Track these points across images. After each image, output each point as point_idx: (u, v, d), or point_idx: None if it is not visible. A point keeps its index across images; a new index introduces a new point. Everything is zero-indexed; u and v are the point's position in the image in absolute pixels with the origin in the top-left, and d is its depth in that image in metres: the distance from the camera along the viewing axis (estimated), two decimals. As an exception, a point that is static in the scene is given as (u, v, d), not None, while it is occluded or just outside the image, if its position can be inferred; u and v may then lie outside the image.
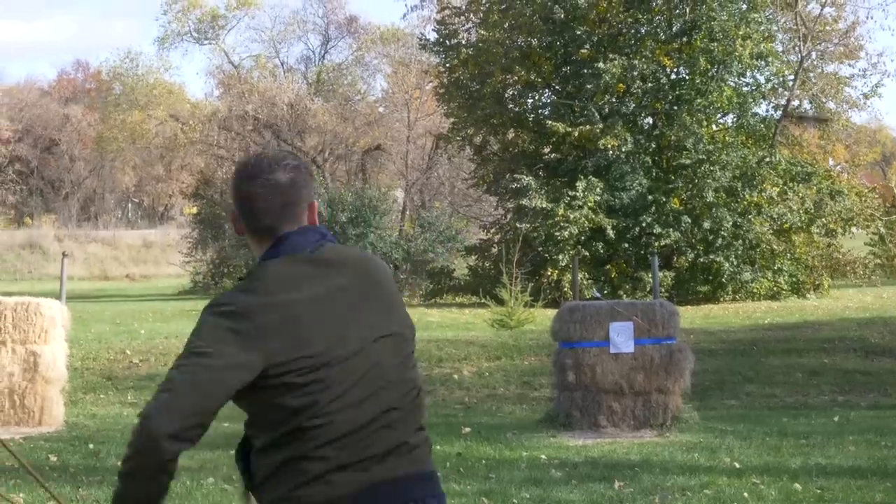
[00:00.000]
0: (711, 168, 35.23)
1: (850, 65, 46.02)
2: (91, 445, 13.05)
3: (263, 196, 3.72)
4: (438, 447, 12.51)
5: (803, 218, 36.39)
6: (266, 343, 3.49)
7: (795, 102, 41.98)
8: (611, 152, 35.26)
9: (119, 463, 3.37)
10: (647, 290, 32.43)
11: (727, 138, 37.43)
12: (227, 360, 3.46)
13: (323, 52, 71.34)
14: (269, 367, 3.49)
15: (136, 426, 3.49)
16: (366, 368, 3.60)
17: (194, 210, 61.34)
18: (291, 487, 3.52)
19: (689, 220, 34.83)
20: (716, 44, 35.49)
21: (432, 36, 43.35)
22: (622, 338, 13.69)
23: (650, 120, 38.22)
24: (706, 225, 34.88)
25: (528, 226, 34.57)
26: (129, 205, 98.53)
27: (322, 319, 3.59)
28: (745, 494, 9.68)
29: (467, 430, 13.92)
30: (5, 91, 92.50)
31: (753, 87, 38.66)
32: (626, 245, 34.92)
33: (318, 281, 3.65)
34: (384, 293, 3.78)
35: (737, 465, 11.13)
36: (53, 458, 12.15)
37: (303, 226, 3.75)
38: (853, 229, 39.04)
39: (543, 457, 11.93)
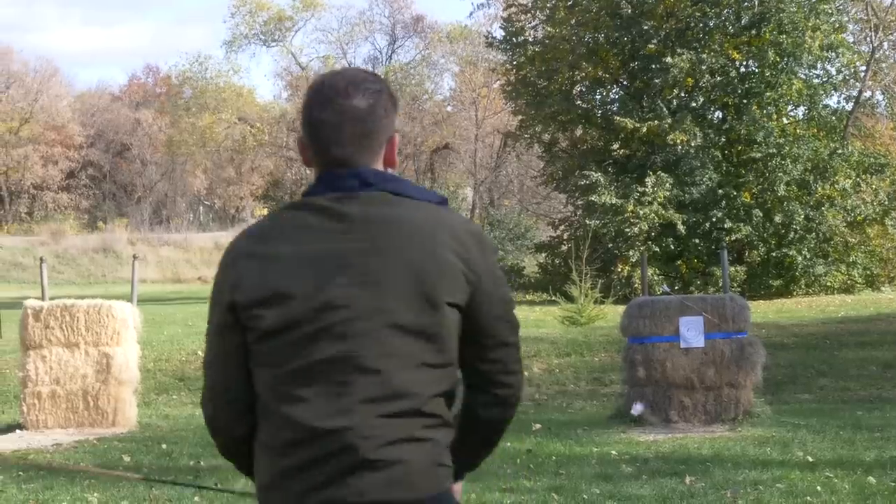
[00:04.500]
0: (782, 161, 34.95)
1: (923, 55, 45.53)
2: (164, 446, 13.14)
3: (336, 124, 3.22)
4: (508, 444, 12.49)
5: (877, 210, 36.05)
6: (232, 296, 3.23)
7: (867, 94, 41.57)
8: (680, 147, 35.03)
9: None
10: (719, 285, 32.24)
11: (798, 131, 37.13)
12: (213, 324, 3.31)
13: (390, 51, 71.65)
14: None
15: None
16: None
17: (265, 212, 61.76)
18: None
19: (761, 214, 34.59)
20: (785, 36, 35.18)
21: (499, 34, 43.42)
22: (692, 332, 13.60)
23: (719, 114, 37.99)
24: (778, 219, 34.63)
25: (598, 222, 34.43)
26: (201, 208, 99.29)
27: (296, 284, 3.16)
28: (819, 488, 9.57)
29: (538, 426, 13.87)
30: (77, 97, 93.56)
31: (824, 79, 38.31)
32: (697, 240, 34.72)
33: (313, 237, 3.19)
34: (395, 276, 3.13)
35: (810, 459, 11.02)
36: (127, 459, 12.25)
37: (364, 168, 3.23)
38: (929, 221, 38.55)
39: (614, 452, 11.86)
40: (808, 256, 34.75)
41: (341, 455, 3.07)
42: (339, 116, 3.21)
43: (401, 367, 3.10)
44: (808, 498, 9.26)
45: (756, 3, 35.89)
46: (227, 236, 77.42)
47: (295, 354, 3.12)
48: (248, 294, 3.17)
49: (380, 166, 3.29)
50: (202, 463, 11.75)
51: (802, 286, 35.01)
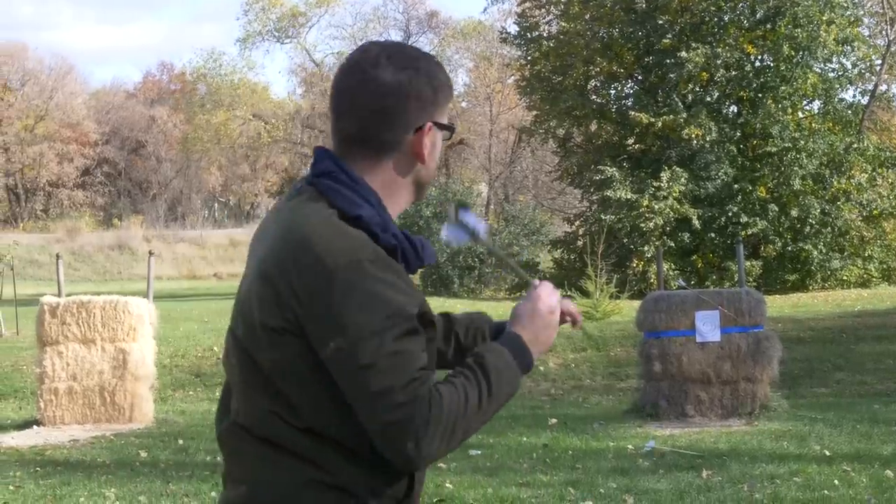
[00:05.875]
0: (798, 155, 34.92)
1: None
2: (181, 441, 13.15)
3: (355, 94, 2.86)
4: (525, 439, 12.51)
5: (893, 204, 35.97)
6: None
7: (883, 87, 41.46)
8: (695, 142, 35.01)
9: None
10: (735, 280, 32.19)
11: (813, 125, 37.07)
12: None
13: (404, 47, 71.56)
14: None
15: None
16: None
17: (280, 208, 61.64)
18: None
19: (776, 209, 34.55)
20: (800, 30, 35.13)
21: (513, 29, 43.42)
22: (708, 326, 13.56)
23: (734, 108, 37.96)
24: (793, 213, 34.60)
25: (613, 217, 34.45)
26: (216, 204, 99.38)
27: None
28: (836, 482, 9.55)
29: (553, 421, 13.87)
30: (92, 94, 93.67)
31: (839, 73, 38.23)
32: (713, 235, 34.71)
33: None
34: (254, 279, 2.83)
35: (827, 453, 10.99)
36: (143, 454, 12.27)
37: (330, 158, 2.88)
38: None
39: (630, 447, 11.84)
40: (823, 251, 34.71)
41: None
42: (361, 86, 2.84)
43: (235, 381, 2.90)
44: (825, 491, 9.23)
45: (771, -3, 35.86)
46: (242, 233, 77.57)
47: None
48: None
49: (402, 155, 2.88)
50: (219, 458, 11.74)
51: (818, 280, 34.97)
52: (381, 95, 2.81)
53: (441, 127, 2.95)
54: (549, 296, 2.97)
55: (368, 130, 2.84)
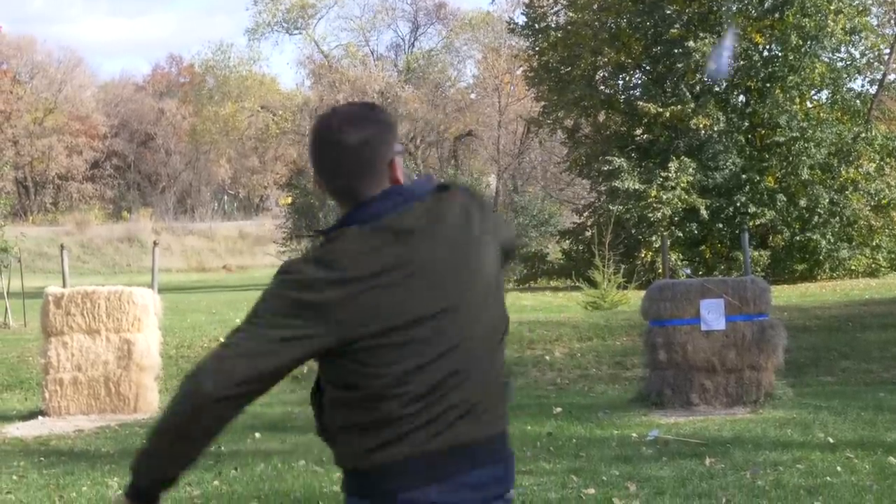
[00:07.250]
0: (806, 145, 34.84)
1: (947, 37, 45.19)
2: (185, 431, 13.14)
3: (333, 157, 3.45)
4: (529, 427, 12.50)
5: (902, 193, 35.89)
6: (336, 317, 3.30)
7: (891, 76, 41.33)
8: (703, 132, 34.96)
9: (159, 419, 3.31)
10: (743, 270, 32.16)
11: (822, 114, 36.98)
12: (284, 332, 3.31)
13: (412, 39, 71.62)
14: (340, 341, 3.30)
15: (184, 385, 3.31)
16: (439, 334, 3.38)
17: (289, 200, 61.66)
18: (368, 448, 3.35)
19: (785, 199, 34.48)
20: (808, 19, 35.03)
21: (521, 19, 43.32)
22: (713, 315, 13.54)
23: (742, 98, 37.83)
24: (802, 203, 34.53)
25: (621, 208, 34.40)
26: (225, 197, 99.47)
27: (399, 295, 3.35)
28: (839, 468, 9.55)
29: (559, 410, 13.87)
30: (101, 87, 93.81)
31: (848, 62, 38.13)
32: (721, 225, 34.65)
33: (394, 254, 3.36)
34: (469, 260, 3.46)
35: (830, 440, 10.98)
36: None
37: (385, 189, 3.43)
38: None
39: (634, 435, 11.84)
40: (832, 240, 34.63)
41: None
42: (333, 150, 3.47)
43: None
44: (828, 478, 9.23)
45: (779, -13, 35.75)
46: (251, 225, 77.66)
47: None
48: None
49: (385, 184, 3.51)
50: (223, 448, 11.78)
51: (827, 270, 34.90)
52: (355, 154, 3.47)
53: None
54: None
55: (359, 181, 3.51)
